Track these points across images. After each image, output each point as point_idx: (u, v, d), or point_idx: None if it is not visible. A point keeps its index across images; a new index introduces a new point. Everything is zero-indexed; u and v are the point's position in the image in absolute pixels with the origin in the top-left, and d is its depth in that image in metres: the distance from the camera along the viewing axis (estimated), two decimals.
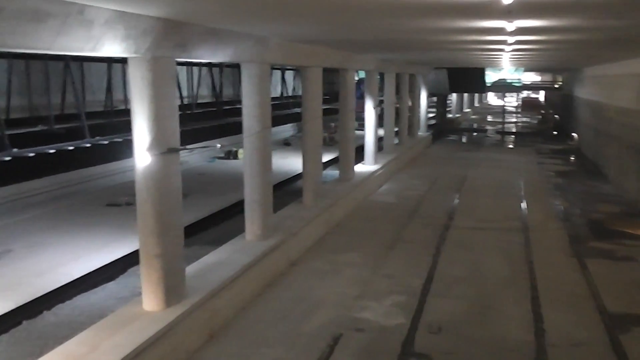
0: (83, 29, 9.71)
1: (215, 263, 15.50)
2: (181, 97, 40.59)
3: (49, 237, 21.22)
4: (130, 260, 18.94)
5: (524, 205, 26.74)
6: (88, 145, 30.60)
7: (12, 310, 15.25)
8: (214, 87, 47.43)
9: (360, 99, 32.66)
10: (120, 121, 31.42)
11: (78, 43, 10.08)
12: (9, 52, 26.05)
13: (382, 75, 34.75)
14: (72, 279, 17.30)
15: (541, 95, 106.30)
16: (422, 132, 47.59)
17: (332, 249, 19.95)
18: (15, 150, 26.75)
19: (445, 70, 48.51)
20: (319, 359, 12.45)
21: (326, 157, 30.69)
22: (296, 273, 17.71)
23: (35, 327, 15.35)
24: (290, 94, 61.36)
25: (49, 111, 30.01)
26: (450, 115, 71.89)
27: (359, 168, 29.74)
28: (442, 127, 59.03)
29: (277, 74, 57.57)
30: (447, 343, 13.17)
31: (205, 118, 43.48)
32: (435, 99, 60.34)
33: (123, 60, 31.22)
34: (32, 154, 25.03)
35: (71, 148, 29.73)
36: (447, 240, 21.16)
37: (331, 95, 51.11)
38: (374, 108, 30.98)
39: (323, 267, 18.19)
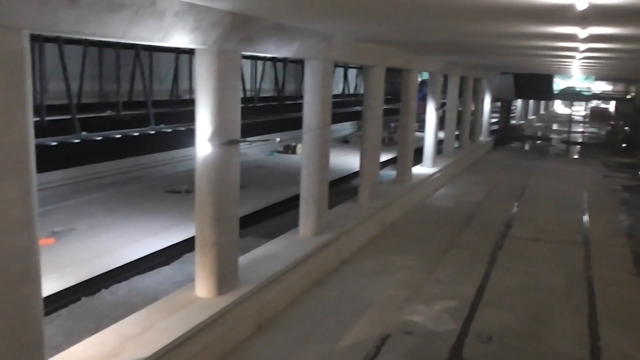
0: (154, 19, 10.00)
1: (267, 255, 15.69)
2: (244, 90, 41.22)
3: (111, 219, 21.98)
4: (185, 247, 19.40)
5: (586, 218, 25.85)
6: (152, 132, 31.48)
7: (73, 287, 15.89)
8: (276, 82, 47.93)
9: (422, 100, 32.30)
10: (185, 111, 32.17)
11: (149, 33, 10.39)
12: (83, 40, 27.10)
13: (445, 77, 34.27)
14: (129, 261, 17.88)
15: (611, 106, 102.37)
16: (483, 137, 46.68)
17: (385, 250, 19.84)
18: (84, 133, 27.79)
19: (512, 76, 47.38)
20: (365, 358, 12.43)
21: (384, 157, 30.51)
22: (347, 271, 17.72)
23: (93, 304, 15.95)
24: (351, 92, 61.33)
25: (118, 98, 31.02)
26: (514, 122, 70.18)
27: (416, 170, 29.46)
28: (504, 133, 57.72)
29: (340, 71, 57.66)
30: (497, 353, 12.90)
31: (267, 112, 44.01)
32: (499, 104, 59.06)
33: (190, 52, 31.99)
34: (99, 138, 25.98)
35: (136, 134, 30.65)
36: (503, 249, 20.69)
37: (393, 95, 50.82)
38: (436, 110, 30.60)
39: (374, 267, 18.12)
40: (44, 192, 22.22)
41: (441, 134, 34.05)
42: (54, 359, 10.05)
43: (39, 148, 8.50)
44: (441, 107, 32.38)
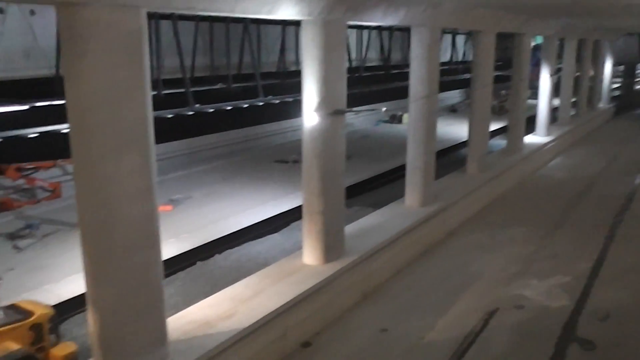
0: None
1: (373, 225, 15.74)
2: (350, 60, 41.09)
3: (223, 187, 22.92)
4: (293, 215, 19.89)
5: None
6: (261, 103, 32.24)
7: (189, 252, 16.81)
8: (382, 51, 47.35)
9: (535, 66, 30.70)
10: (292, 82, 32.66)
11: (256, 6, 10.58)
12: (195, 16, 28.10)
13: (561, 41, 32.28)
14: (241, 228, 18.62)
15: None
16: (603, 104, 43.72)
17: (494, 222, 19.28)
18: (197, 106, 28.98)
19: (637, 37, 43.80)
20: (471, 332, 12.24)
21: (494, 126, 29.45)
22: (454, 243, 17.43)
23: (208, 268, 16.81)
24: (460, 59, 59.42)
25: (228, 71, 32.00)
26: (638, 87, 65.06)
27: (528, 139, 28.20)
28: (627, 100, 53.67)
29: (448, 38, 55.95)
30: (614, 333, 12.24)
31: (373, 82, 43.69)
32: (622, 68, 54.90)
33: (297, 23, 32.31)
34: (211, 110, 27.03)
35: (246, 106, 31.53)
36: (623, 224, 19.43)
37: (504, 61, 48.64)
38: (550, 76, 28.97)
39: (483, 240, 17.69)
40: (162, 162, 23.53)
41: (556, 101, 32.27)
42: (173, 317, 10.74)
43: (157, 120, 8.97)
44: (556, 72, 30.61)
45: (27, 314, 10.46)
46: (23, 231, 17.53)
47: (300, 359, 11.37)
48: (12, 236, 17.38)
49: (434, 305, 13.40)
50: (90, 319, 8.87)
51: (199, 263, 16.99)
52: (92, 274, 8.62)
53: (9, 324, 10.14)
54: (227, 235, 18.10)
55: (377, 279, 14.43)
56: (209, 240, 17.52)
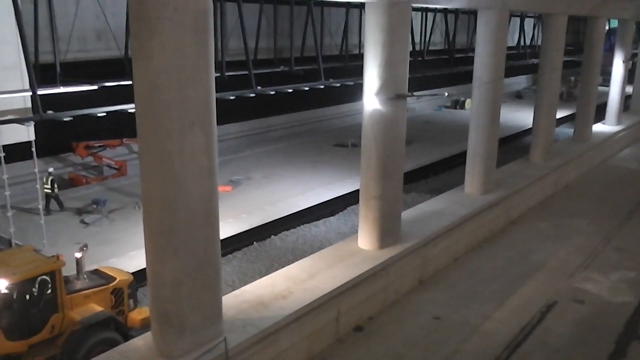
0: None
1: (431, 212, 15.54)
2: (413, 44, 40.39)
3: (282, 169, 23.14)
4: (350, 199, 19.89)
5: None
6: (322, 87, 32.23)
7: (247, 232, 17.10)
8: (447, 34, 46.39)
9: (609, 51, 29.35)
10: (353, 65, 32.44)
11: None
12: None
13: (638, 25, 30.73)
14: (298, 210, 18.78)
15: None
16: None
17: (558, 212, 18.69)
18: (259, 88, 29.26)
19: None
20: (529, 323, 11.97)
21: (561, 114, 28.47)
22: (516, 232, 17.01)
23: (264, 248, 17.07)
24: (528, 43, 57.51)
25: (291, 53, 32.10)
26: None
27: (597, 128, 27.10)
28: None
29: (516, 21, 54.18)
30: None
31: (436, 66, 42.89)
32: None
33: (361, 6, 32.01)
34: (272, 93, 27.15)
35: (307, 89, 31.59)
36: None
37: (575, 46, 46.78)
38: (624, 62, 27.65)
39: (546, 229, 17.19)
40: (223, 143, 23.95)
41: (629, 89, 30.82)
42: (229, 295, 10.96)
43: (219, 102, 9.09)
44: (631, 58, 29.19)
45: (109, 279, 11.34)
46: (90, 207, 18.27)
47: (353, 342, 11.41)
48: (80, 211, 18.14)
49: (492, 294, 13.15)
50: (149, 293, 9.16)
51: (256, 243, 17.26)
52: (153, 250, 8.88)
53: (94, 287, 10.99)
54: (284, 217, 18.30)
55: (434, 266, 14.27)
56: (267, 221, 17.76)
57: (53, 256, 10.55)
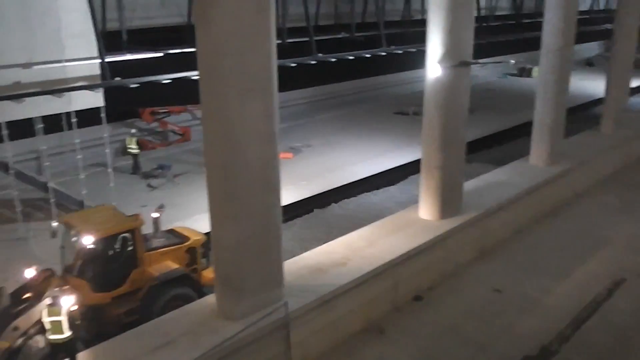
0: None
1: (494, 183, 15.22)
2: (478, 9, 39.11)
3: (342, 137, 23.10)
4: (411, 169, 19.70)
5: None
6: (383, 53, 31.76)
7: (307, 199, 17.24)
8: None
9: None
10: (416, 31, 31.77)
11: None
12: None
13: None
14: (358, 178, 18.75)
15: None
16: None
17: (628, 185, 17.94)
18: (319, 55, 29.09)
19: None
20: (594, 300, 11.63)
21: (636, 82, 27.10)
22: (582, 205, 16.47)
23: (324, 215, 17.16)
24: (601, 7, 54.74)
25: (351, 19, 31.68)
26: None
27: None
28: None
29: None
30: None
31: (502, 31, 41.47)
32: None
33: None
34: (333, 60, 26.99)
35: (368, 56, 31.21)
36: None
37: None
38: None
39: (614, 203, 16.56)
40: (283, 110, 24.04)
41: None
42: (289, 261, 11.13)
43: (280, 69, 9.10)
44: None
45: (184, 238, 11.87)
46: (156, 171, 18.82)
47: (410, 311, 11.42)
48: (146, 175, 18.72)
49: (555, 268, 12.85)
50: (213, 256, 9.42)
51: (315, 210, 17.38)
52: (217, 214, 9.09)
53: (169, 246, 11.56)
54: (344, 185, 18.31)
55: (496, 238, 14.03)
56: (327, 189, 17.84)
57: (133, 215, 11.20)
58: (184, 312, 9.61)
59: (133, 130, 19.72)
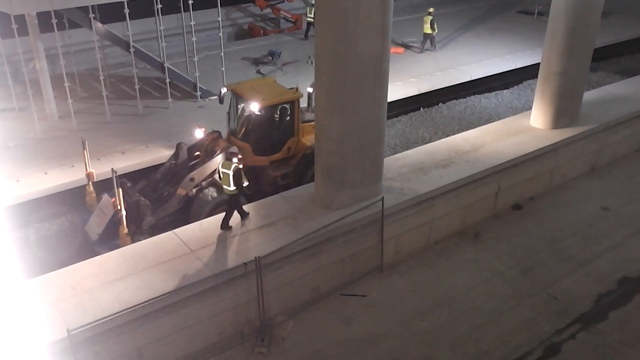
0: None
1: (618, 95, 14.11)
2: None
3: (459, 35, 22.00)
4: (528, 73, 18.62)
5: None
6: None
7: (414, 97, 16.85)
8: None
9: None
10: None
11: None
12: None
13: None
14: (470, 79, 17.99)
15: None
16: None
17: None
18: None
19: None
20: None
21: None
22: None
23: (430, 115, 16.77)
24: None
25: None
26: None
27: None
28: None
29: None
30: None
31: None
32: None
33: None
34: None
35: None
36: None
37: None
38: None
39: None
40: (399, 2, 23.07)
41: None
42: (390, 158, 11.16)
43: None
44: None
45: None
46: (266, 58, 18.98)
47: (508, 220, 11.25)
48: (257, 61, 18.95)
49: None
50: (316, 148, 9.60)
51: (422, 109, 17.03)
52: (323, 105, 9.15)
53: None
54: (455, 85, 17.67)
55: (611, 154, 13.24)
56: (436, 88, 17.30)
57: (292, 88, 11.85)
58: (285, 197, 10.01)
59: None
